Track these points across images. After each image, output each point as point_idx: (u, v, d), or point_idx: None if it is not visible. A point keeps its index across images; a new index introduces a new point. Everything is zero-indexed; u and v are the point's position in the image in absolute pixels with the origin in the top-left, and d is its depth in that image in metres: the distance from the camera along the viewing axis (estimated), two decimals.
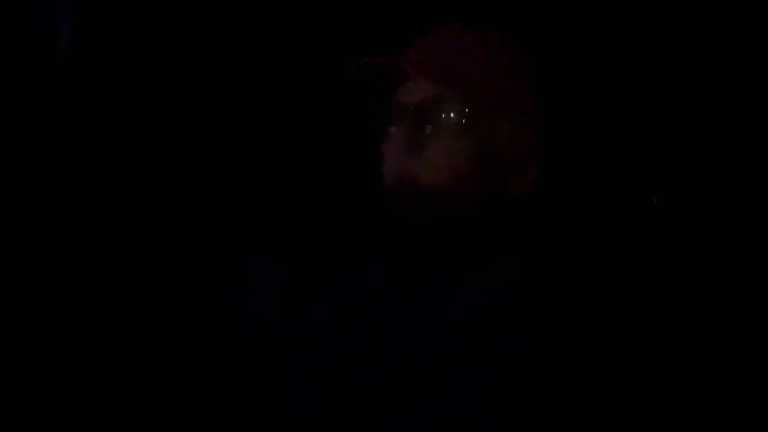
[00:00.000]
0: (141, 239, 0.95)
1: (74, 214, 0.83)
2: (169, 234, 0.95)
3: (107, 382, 0.72)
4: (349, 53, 0.64)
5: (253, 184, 1.05)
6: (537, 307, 0.57)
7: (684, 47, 0.82)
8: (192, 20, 0.88)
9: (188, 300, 0.82)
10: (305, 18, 0.95)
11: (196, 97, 0.98)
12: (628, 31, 0.83)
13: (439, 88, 0.62)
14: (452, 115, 0.63)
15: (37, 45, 0.81)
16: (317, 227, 0.81)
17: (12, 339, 0.69)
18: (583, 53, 0.84)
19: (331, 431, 0.57)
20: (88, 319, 0.76)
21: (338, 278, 0.66)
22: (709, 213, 0.79)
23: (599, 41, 0.84)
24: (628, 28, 0.83)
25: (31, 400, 0.68)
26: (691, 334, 0.72)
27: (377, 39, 0.73)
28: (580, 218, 0.78)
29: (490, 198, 0.64)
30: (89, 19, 0.81)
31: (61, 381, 0.71)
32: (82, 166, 0.85)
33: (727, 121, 0.80)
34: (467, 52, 0.65)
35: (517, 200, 0.66)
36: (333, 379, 0.59)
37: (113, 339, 0.76)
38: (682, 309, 0.73)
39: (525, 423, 0.52)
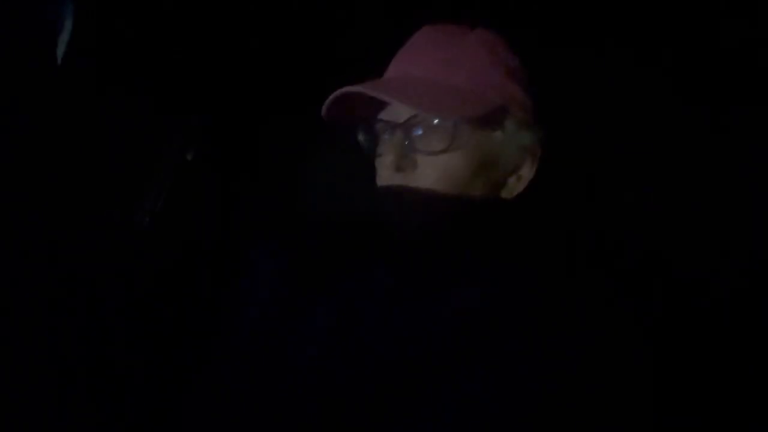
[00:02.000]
0: (141, 239, 0.95)
1: (74, 214, 0.83)
2: (170, 234, 0.96)
3: (103, 381, 0.72)
4: (348, 53, 0.64)
5: (255, 185, 1.05)
6: (536, 308, 0.57)
7: (686, 47, 0.82)
8: (192, 21, 0.88)
9: (187, 299, 0.82)
10: (305, 18, 0.95)
11: (195, 97, 0.98)
12: (628, 31, 0.83)
13: (424, 110, 0.61)
14: (441, 130, 0.62)
15: (37, 45, 0.81)
16: (318, 229, 0.81)
17: (10, 340, 0.69)
18: (581, 52, 0.84)
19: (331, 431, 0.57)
20: (84, 318, 0.76)
21: (338, 279, 0.66)
22: (709, 213, 0.79)
23: (598, 41, 0.84)
24: (628, 27, 0.83)
25: (29, 401, 0.68)
26: (692, 335, 0.72)
27: (376, 39, 0.73)
28: (578, 218, 0.78)
29: (485, 201, 0.64)
30: (89, 18, 0.81)
31: (57, 380, 0.71)
32: (82, 166, 0.85)
33: (729, 122, 0.80)
34: (450, 63, 0.64)
35: (513, 201, 0.66)
36: (332, 380, 0.59)
37: (110, 337, 0.76)
38: (682, 309, 0.73)
39: (525, 424, 0.52)
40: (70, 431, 0.68)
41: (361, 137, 0.69)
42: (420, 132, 0.63)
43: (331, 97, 0.63)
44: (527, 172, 0.67)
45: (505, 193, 0.67)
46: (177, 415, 0.67)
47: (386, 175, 0.65)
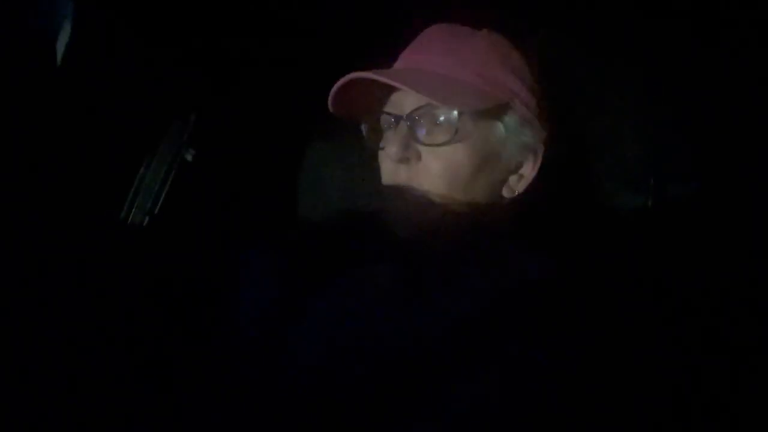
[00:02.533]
0: (140, 239, 0.95)
1: (73, 213, 0.83)
2: (168, 234, 0.95)
3: (102, 382, 0.72)
4: (346, 53, 0.65)
5: (254, 185, 1.05)
6: (537, 308, 0.57)
7: (689, 46, 0.82)
8: (192, 20, 0.88)
9: (186, 299, 0.82)
10: (304, 19, 0.95)
11: (195, 97, 0.98)
12: (630, 30, 0.83)
13: (429, 98, 0.61)
14: (444, 122, 0.63)
15: (37, 45, 0.81)
16: (318, 227, 0.81)
17: (6, 340, 0.69)
18: (582, 50, 0.84)
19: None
20: (82, 318, 0.76)
21: (338, 278, 0.66)
22: (709, 210, 0.79)
23: (600, 38, 0.84)
24: (629, 26, 0.83)
25: (27, 402, 0.68)
26: (696, 333, 0.72)
27: (374, 40, 0.74)
28: (579, 217, 0.78)
29: (487, 199, 0.65)
30: (89, 18, 0.81)
31: (56, 381, 0.71)
32: (80, 166, 0.85)
33: (730, 121, 0.80)
34: (457, 59, 0.65)
35: (515, 200, 0.66)
36: (333, 380, 0.59)
37: (107, 338, 0.76)
38: (685, 308, 0.73)
39: (526, 424, 0.51)
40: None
41: (364, 130, 0.69)
42: (424, 123, 0.63)
43: (340, 81, 0.63)
44: (529, 171, 0.67)
45: (506, 192, 0.67)
46: (177, 415, 0.66)
47: (390, 167, 0.65)
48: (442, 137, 0.62)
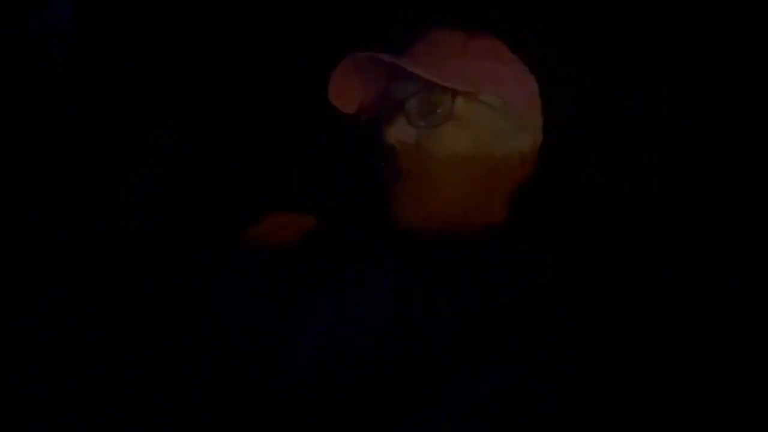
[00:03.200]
0: (138, 240, 0.95)
1: (73, 214, 0.84)
2: (167, 234, 0.95)
3: (102, 381, 0.72)
4: (346, 53, 0.65)
5: (253, 185, 1.05)
6: (537, 307, 0.57)
7: (687, 44, 0.82)
8: (193, 19, 0.89)
9: (186, 298, 0.82)
10: (304, 18, 0.95)
11: (196, 97, 0.98)
12: (630, 26, 0.84)
13: (434, 83, 0.63)
14: (442, 106, 0.64)
15: (38, 43, 0.81)
16: (319, 227, 0.81)
17: (8, 340, 0.69)
18: (584, 48, 0.84)
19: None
20: (82, 318, 0.76)
21: (340, 278, 0.66)
22: (709, 208, 0.79)
23: (601, 36, 0.85)
24: (630, 23, 0.84)
25: (27, 399, 0.68)
26: (696, 333, 0.72)
27: (375, 39, 0.74)
28: (580, 215, 0.78)
29: (482, 190, 0.65)
30: (89, 19, 0.82)
31: (57, 380, 0.71)
32: (80, 166, 0.85)
33: (729, 119, 0.80)
34: (463, 51, 0.66)
35: (513, 197, 0.67)
36: (332, 380, 0.59)
37: (107, 338, 0.76)
38: (685, 307, 0.73)
39: (527, 424, 0.51)
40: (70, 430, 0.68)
41: (363, 122, 0.70)
42: (422, 107, 0.65)
43: (343, 62, 0.65)
44: (525, 169, 0.68)
45: (501, 188, 0.68)
46: (176, 415, 0.67)
47: (386, 153, 0.66)
48: (439, 119, 0.64)
